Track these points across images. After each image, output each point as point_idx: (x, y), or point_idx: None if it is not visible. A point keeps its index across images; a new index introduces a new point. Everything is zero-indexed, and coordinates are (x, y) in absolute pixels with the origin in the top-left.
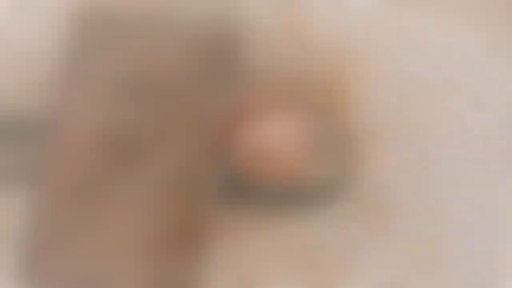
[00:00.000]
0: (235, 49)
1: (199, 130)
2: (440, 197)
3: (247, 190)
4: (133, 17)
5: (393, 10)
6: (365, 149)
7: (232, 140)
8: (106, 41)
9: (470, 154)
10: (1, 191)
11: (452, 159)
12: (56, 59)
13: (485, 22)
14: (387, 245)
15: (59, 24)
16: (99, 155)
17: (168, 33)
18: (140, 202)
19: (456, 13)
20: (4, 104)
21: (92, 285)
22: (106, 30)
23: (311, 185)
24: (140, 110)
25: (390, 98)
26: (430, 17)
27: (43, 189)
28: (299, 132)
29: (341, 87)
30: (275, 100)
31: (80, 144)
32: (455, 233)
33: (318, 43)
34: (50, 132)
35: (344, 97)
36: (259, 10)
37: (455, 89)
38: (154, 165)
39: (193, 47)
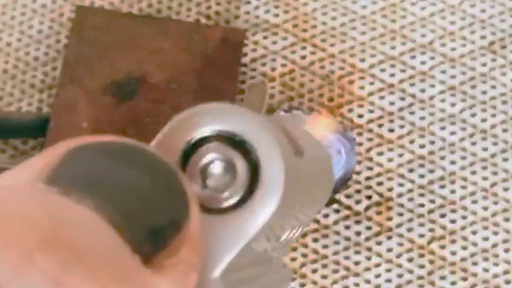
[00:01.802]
0: (236, 48)
1: None
2: (441, 196)
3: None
4: (132, 17)
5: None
6: (365, 148)
7: None
8: (104, 42)
9: (472, 153)
10: None
11: (454, 158)
12: (54, 61)
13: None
14: (388, 245)
15: (57, 27)
16: None
17: (167, 32)
18: None
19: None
20: (4, 105)
21: None
22: (103, 31)
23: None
24: (141, 109)
25: (390, 96)
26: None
27: None
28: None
29: (342, 85)
30: (276, 98)
31: None
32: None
33: (319, 40)
34: (49, 131)
35: (345, 95)
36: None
37: (456, 88)
38: None
39: (194, 46)
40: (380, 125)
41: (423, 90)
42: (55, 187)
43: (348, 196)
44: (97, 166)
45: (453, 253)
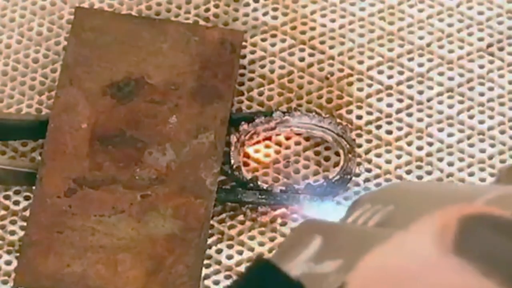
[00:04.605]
0: (234, 49)
1: (197, 131)
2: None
3: (246, 190)
4: (131, 19)
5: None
6: (364, 150)
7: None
8: (103, 44)
9: (469, 155)
10: (1, 191)
11: (451, 160)
12: (54, 63)
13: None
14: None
15: (57, 29)
16: (98, 155)
17: (166, 33)
18: (139, 201)
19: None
20: (5, 106)
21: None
22: (103, 32)
23: (310, 186)
24: (139, 110)
25: (389, 98)
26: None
27: (40, 188)
28: (299, 131)
29: (341, 86)
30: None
31: (78, 143)
32: None
33: (317, 42)
34: (48, 132)
35: (344, 97)
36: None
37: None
38: (153, 164)
39: (192, 47)
40: (378, 127)
41: (421, 92)
42: (465, 260)
43: (346, 199)
44: (493, 242)
45: None
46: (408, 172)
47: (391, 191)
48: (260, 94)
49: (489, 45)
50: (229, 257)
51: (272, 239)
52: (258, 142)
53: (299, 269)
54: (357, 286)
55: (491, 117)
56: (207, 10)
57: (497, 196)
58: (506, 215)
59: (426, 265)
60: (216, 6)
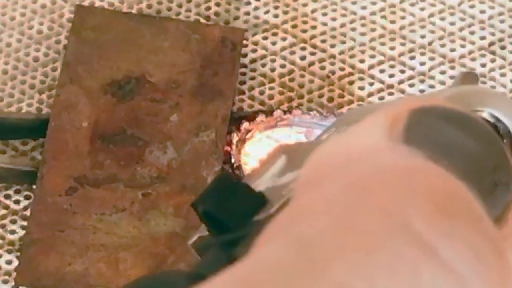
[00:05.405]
0: (235, 47)
1: (198, 129)
2: None
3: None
4: (131, 17)
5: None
6: None
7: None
8: (104, 42)
9: None
10: (0, 191)
11: None
12: (54, 61)
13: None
14: None
15: (57, 27)
16: (99, 153)
17: (167, 31)
18: (140, 199)
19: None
20: (4, 105)
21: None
22: (104, 30)
23: None
24: (140, 109)
25: (390, 97)
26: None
27: (41, 187)
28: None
29: (342, 86)
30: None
31: (78, 142)
32: None
33: (318, 41)
34: (49, 131)
35: (345, 96)
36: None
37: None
38: (154, 162)
39: (193, 45)
40: None
41: (422, 91)
42: (413, 147)
43: None
44: (441, 130)
45: None
46: None
47: (355, 112)
48: (261, 93)
49: (491, 44)
50: None
51: None
52: (259, 140)
53: (264, 185)
54: (306, 174)
55: None
56: (208, 8)
57: (452, 93)
58: (455, 107)
59: (373, 150)
60: (217, 5)
